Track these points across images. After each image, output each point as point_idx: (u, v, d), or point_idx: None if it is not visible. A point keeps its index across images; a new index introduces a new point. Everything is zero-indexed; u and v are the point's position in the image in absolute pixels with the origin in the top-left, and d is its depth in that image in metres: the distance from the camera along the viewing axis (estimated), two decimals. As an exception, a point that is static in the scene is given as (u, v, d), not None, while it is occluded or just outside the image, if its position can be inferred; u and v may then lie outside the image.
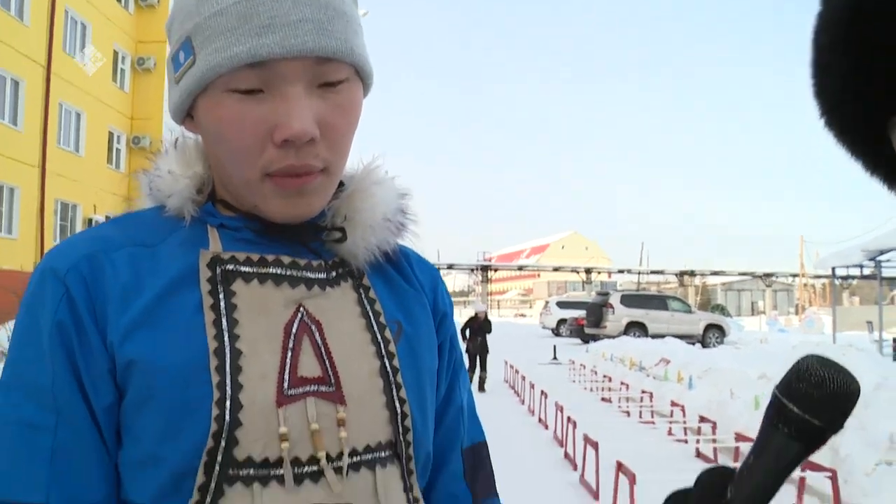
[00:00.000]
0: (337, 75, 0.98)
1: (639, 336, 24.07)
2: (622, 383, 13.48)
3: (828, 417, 0.68)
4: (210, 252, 1.01)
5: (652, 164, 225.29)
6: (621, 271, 57.47)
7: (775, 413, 0.70)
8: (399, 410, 1.04)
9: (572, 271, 56.21)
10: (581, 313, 32.22)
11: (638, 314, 28.80)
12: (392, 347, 1.07)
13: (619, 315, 28.69)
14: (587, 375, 16.24)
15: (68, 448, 0.93)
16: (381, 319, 1.08)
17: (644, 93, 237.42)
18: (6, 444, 0.93)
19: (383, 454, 1.03)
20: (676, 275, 55.84)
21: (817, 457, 6.39)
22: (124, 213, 1.09)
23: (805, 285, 51.30)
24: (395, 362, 1.06)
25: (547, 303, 41.54)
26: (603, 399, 13.35)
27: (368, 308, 1.08)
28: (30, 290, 0.98)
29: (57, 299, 0.95)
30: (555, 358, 22.20)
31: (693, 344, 21.79)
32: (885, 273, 25.59)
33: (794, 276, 53.44)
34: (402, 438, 1.05)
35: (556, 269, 57.23)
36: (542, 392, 11.38)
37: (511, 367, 16.11)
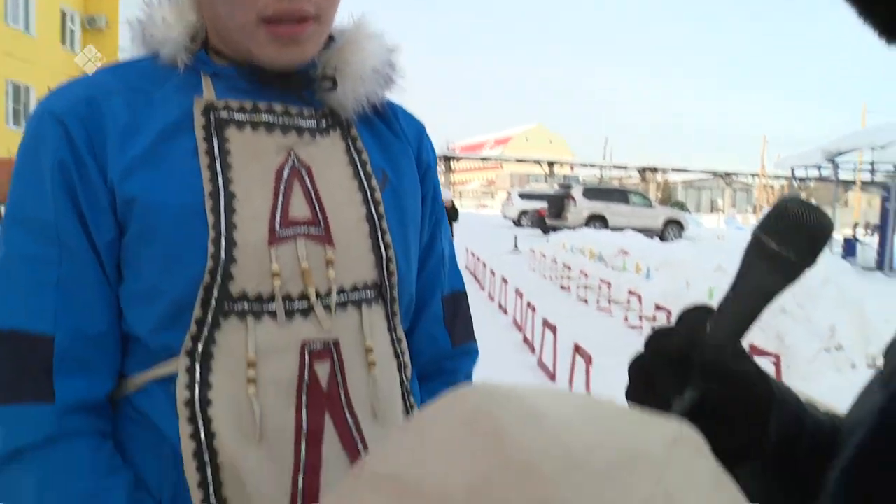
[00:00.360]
0: None
1: (599, 228, 24.25)
2: (581, 272, 13.72)
3: (803, 253, 0.71)
4: (204, 100, 1.05)
5: (620, 59, 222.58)
6: (584, 165, 57.13)
7: (754, 250, 0.72)
8: (384, 254, 1.10)
9: (535, 163, 55.75)
10: (543, 205, 32.14)
11: (599, 207, 28.92)
12: (378, 195, 1.12)
13: (581, 207, 28.75)
14: (547, 265, 16.46)
15: (72, 281, 0.99)
16: (368, 168, 1.13)
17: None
18: (14, 277, 0.98)
19: (369, 294, 1.10)
20: (639, 171, 55.74)
21: (763, 343, 6.72)
22: (120, 61, 1.12)
23: (764, 185, 51.85)
24: (381, 209, 1.12)
25: (509, 194, 41.52)
26: (562, 287, 13.61)
27: (356, 157, 1.13)
28: (29, 133, 1.02)
29: (57, 139, 0.99)
30: (515, 248, 22.41)
31: (652, 237, 22.02)
32: (842, 175, 25.96)
33: (754, 175, 53.81)
34: (386, 281, 1.11)
35: (519, 161, 56.90)
36: (503, 279, 11.56)
37: (473, 255, 16.29)
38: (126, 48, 1.15)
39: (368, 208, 1.10)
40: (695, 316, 0.74)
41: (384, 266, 1.10)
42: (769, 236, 0.71)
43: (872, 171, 24.56)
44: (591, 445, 0.46)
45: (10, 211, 1.01)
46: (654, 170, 55.00)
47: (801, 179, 28.82)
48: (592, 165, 56.78)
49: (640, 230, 23.80)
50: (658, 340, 0.73)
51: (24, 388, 0.96)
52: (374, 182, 1.12)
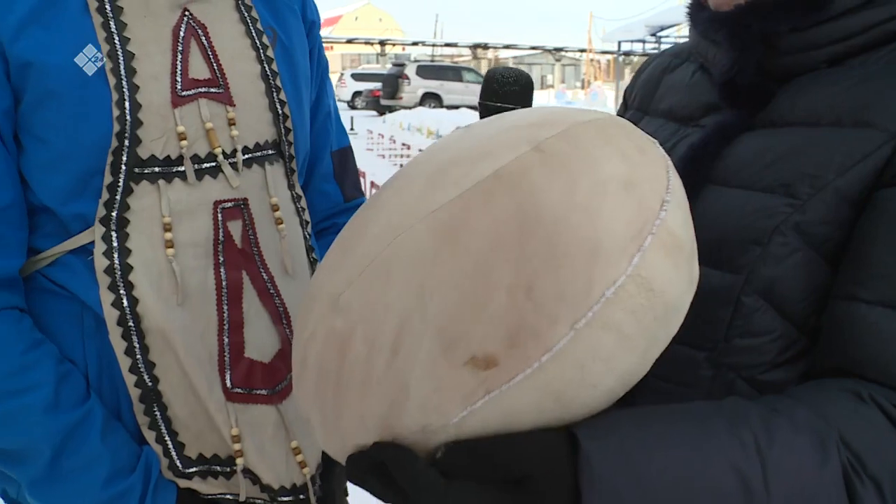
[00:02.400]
0: None
1: (434, 107, 24.34)
2: (420, 150, 13.73)
3: (521, 103, 0.85)
4: None
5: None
6: (415, 44, 56.92)
7: (485, 115, 0.82)
8: (280, 112, 1.11)
9: (366, 44, 55.13)
10: (376, 85, 31.94)
11: (433, 85, 28.93)
12: (270, 52, 1.12)
13: (415, 86, 28.62)
14: (385, 144, 16.40)
15: None
16: (258, 26, 1.12)
17: None
18: None
19: (269, 152, 1.11)
20: (470, 48, 56.13)
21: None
22: None
23: (591, 61, 53.17)
24: (274, 66, 1.12)
25: (341, 75, 40.85)
26: (401, 166, 13.62)
27: (246, 14, 1.11)
28: None
29: None
30: (352, 129, 22.15)
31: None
32: (665, 49, 26.91)
33: (582, 51, 55.11)
34: (284, 138, 1.12)
35: (349, 42, 55.92)
36: (342, 160, 11.39)
37: (309, 137, 15.96)
38: None
39: (262, 66, 1.10)
40: None
41: (281, 123, 1.11)
42: (490, 99, 0.88)
43: (692, 45, 25.61)
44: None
45: None
46: (486, 46, 55.45)
47: (626, 54, 29.70)
48: (424, 44, 56.58)
49: (474, 107, 24.03)
50: None
51: None
52: (265, 39, 1.12)
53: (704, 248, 0.79)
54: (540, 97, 47.17)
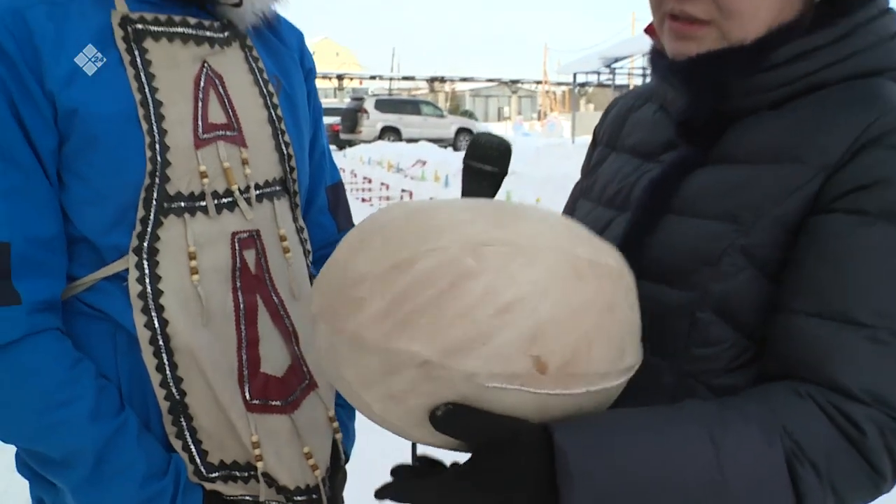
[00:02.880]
0: None
1: (394, 140, 24.44)
2: (382, 184, 13.83)
3: (500, 166, 1.00)
4: (119, 12, 1.10)
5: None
6: (373, 77, 56.96)
7: (468, 173, 1.01)
8: (285, 152, 1.24)
9: (324, 78, 55.19)
10: (335, 119, 31.95)
11: (392, 119, 28.96)
12: (275, 100, 1.25)
13: (374, 120, 28.56)
14: (347, 178, 16.45)
15: (20, 189, 1.05)
16: (265, 75, 1.25)
17: None
18: None
19: (277, 188, 1.24)
20: (427, 81, 56.37)
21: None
22: None
23: (547, 92, 53.79)
24: (279, 111, 1.25)
25: (300, 109, 40.79)
26: (363, 200, 13.67)
27: (254, 65, 1.24)
28: None
29: None
30: (312, 163, 22.14)
31: (445, 147, 22.49)
32: (619, 81, 27.41)
33: (538, 83, 55.71)
34: (289, 176, 1.25)
35: (307, 76, 55.92)
36: (305, 194, 11.42)
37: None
38: None
39: (269, 111, 1.23)
40: None
41: (286, 163, 1.24)
42: (474, 161, 1.00)
43: (644, 76, 26.06)
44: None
45: None
46: (442, 80, 55.71)
47: (582, 85, 30.16)
48: (381, 77, 56.68)
49: (434, 140, 24.20)
50: None
51: None
52: (270, 87, 1.25)
53: (665, 269, 0.94)
54: (497, 128, 47.57)
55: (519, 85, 55.00)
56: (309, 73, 1.40)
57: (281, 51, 1.33)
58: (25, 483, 1.21)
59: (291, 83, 1.31)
